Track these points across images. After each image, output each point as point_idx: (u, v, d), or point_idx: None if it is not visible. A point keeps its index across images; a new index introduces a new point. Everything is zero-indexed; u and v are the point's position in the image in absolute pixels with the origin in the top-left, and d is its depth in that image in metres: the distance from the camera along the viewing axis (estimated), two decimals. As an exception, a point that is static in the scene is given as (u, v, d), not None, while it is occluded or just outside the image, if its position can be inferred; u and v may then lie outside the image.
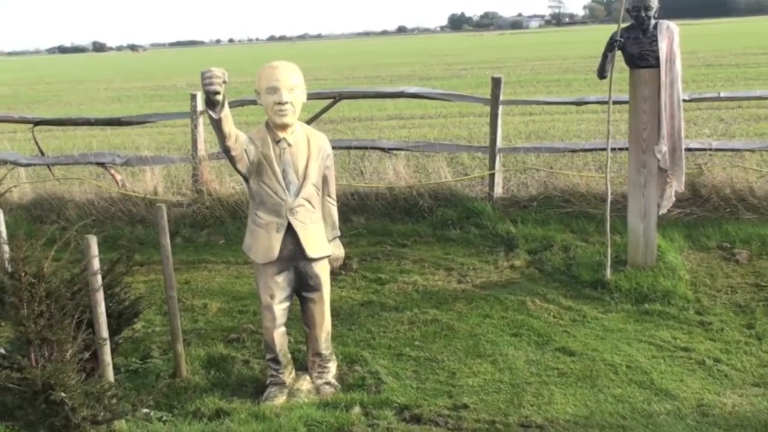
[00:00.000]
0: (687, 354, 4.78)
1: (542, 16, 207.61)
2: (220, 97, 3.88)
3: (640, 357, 4.76)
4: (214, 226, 7.96)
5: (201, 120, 8.51)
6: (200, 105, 8.39)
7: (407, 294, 6.02)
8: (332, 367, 4.69)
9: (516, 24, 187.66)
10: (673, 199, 6.20)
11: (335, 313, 5.34)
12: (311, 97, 8.57)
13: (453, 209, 7.69)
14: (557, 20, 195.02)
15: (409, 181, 8.19)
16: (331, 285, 4.77)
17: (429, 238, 7.31)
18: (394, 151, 8.79)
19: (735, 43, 43.31)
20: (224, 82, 3.88)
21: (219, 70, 3.87)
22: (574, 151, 8.56)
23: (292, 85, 4.22)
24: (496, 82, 7.93)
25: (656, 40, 5.75)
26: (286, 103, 4.19)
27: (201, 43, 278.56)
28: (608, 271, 5.94)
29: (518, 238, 6.99)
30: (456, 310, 5.64)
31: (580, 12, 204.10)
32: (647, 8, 5.77)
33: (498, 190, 8.10)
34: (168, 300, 4.73)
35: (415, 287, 6.13)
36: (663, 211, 6.22)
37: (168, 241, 4.64)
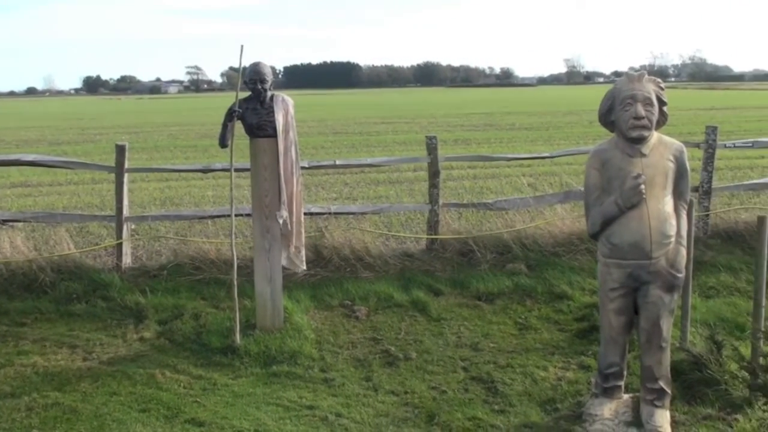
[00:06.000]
0: (312, 412, 4.96)
1: (181, 82, 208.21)
2: None
3: (268, 420, 4.85)
4: None
5: None
6: None
7: (26, 377, 5.56)
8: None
9: (155, 89, 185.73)
10: (303, 256, 6.49)
11: (-64, 408, 4.78)
12: None
13: (78, 282, 7.31)
14: (196, 86, 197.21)
15: (28, 254, 7.64)
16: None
17: (51, 315, 6.85)
18: (11, 223, 8.18)
19: (359, 113, 47.14)
20: None
21: None
22: (202, 217, 8.55)
23: None
24: (120, 150, 7.76)
25: (273, 111, 6.04)
26: None
27: None
28: (238, 336, 6.01)
29: (148, 309, 6.82)
30: (80, 390, 5.33)
31: (218, 79, 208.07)
32: (263, 81, 6.06)
33: (127, 260, 7.88)
34: None
35: (35, 369, 5.69)
36: (303, 267, 6.50)
37: None
